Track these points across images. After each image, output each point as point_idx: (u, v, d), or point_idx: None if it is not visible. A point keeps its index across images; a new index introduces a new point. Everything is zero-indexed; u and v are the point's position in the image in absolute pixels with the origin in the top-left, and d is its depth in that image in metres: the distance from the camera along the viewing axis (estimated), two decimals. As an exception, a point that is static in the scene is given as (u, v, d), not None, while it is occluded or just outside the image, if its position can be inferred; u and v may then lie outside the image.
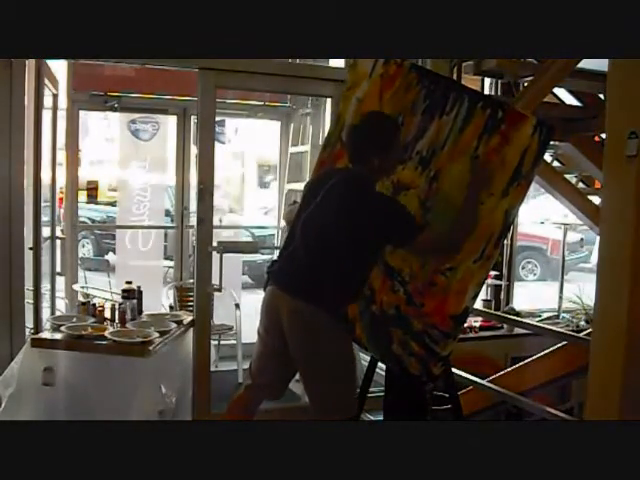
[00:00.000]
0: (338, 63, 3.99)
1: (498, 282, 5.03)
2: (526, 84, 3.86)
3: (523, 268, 10.27)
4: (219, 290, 3.63)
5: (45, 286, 3.80)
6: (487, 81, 4.59)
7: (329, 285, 2.47)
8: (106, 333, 3.16)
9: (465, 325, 4.55)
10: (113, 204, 8.10)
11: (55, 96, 3.97)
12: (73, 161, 5.13)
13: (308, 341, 2.52)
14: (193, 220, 4.92)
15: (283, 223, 5.85)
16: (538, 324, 4.20)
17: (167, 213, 6.36)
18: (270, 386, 2.71)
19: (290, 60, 3.96)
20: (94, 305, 3.53)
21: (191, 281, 4.81)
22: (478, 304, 3.84)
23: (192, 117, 5.24)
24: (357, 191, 2.50)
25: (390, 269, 2.69)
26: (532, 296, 6.74)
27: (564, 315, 5.70)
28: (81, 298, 4.38)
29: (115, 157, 6.45)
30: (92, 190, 7.28)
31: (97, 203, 9.26)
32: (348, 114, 2.82)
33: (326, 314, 2.47)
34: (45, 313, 3.69)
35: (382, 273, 2.70)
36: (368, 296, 2.73)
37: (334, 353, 2.54)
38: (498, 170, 2.43)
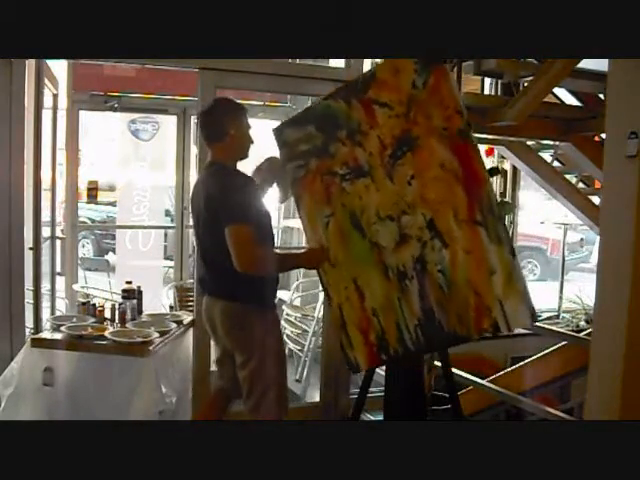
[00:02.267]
0: (338, 63, 3.98)
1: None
2: (526, 84, 3.87)
3: (523, 268, 10.28)
4: (219, 290, 3.62)
5: (45, 286, 3.79)
6: (487, 81, 4.59)
7: (232, 276, 2.50)
8: (106, 333, 3.15)
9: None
10: (113, 204, 8.10)
11: (55, 96, 3.97)
12: (73, 161, 5.14)
13: (235, 335, 2.63)
14: (193, 220, 4.91)
15: (282, 223, 5.85)
16: (538, 324, 4.19)
17: (167, 213, 6.37)
18: (230, 387, 2.82)
19: (290, 60, 3.96)
20: (94, 305, 3.53)
21: (191, 281, 4.81)
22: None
23: (192, 117, 5.24)
24: (216, 181, 2.59)
25: None
26: (532, 296, 6.73)
27: (564, 315, 5.71)
28: (81, 298, 4.38)
29: (115, 157, 6.45)
30: (92, 190, 7.27)
31: (97, 203, 9.25)
32: None
33: (245, 305, 2.58)
34: (45, 313, 3.69)
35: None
36: None
37: (264, 342, 2.61)
38: None
